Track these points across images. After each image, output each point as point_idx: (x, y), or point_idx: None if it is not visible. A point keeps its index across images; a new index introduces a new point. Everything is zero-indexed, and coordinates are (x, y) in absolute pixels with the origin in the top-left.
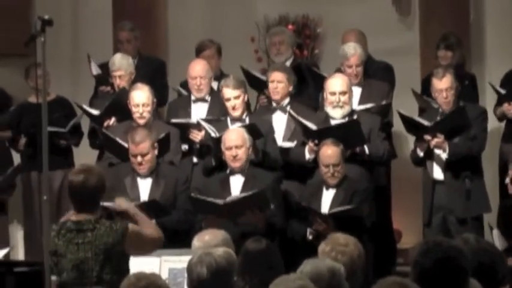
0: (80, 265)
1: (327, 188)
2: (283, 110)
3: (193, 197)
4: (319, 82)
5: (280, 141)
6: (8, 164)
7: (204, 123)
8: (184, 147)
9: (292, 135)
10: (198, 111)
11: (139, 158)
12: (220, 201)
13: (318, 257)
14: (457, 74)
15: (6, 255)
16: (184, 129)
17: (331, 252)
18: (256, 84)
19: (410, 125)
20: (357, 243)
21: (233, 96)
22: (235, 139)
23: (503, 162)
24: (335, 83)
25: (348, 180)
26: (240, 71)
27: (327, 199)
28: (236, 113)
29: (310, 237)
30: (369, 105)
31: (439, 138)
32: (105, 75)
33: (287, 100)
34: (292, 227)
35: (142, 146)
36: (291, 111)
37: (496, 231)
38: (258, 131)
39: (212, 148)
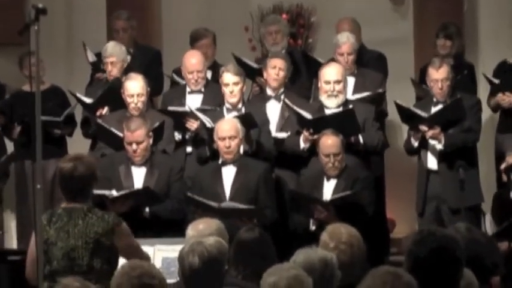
0: (70, 253)
1: (328, 179)
2: (278, 99)
3: (189, 197)
4: (314, 68)
5: (274, 130)
6: (1, 152)
7: (198, 114)
8: (178, 136)
9: (285, 124)
10: (193, 102)
11: (134, 146)
12: (215, 204)
13: (319, 246)
14: (455, 64)
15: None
16: (179, 118)
17: (334, 250)
18: (249, 72)
19: (406, 115)
20: (360, 241)
21: (232, 81)
22: (228, 129)
23: (499, 153)
24: (329, 72)
25: (348, 170)
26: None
27: (329, 189)
28: (233, 99)
29: (314, 227)
30: (364, 94)
31: (436, 130)
32: (100, 62)
33: (281, 89)
34: (294, 219)
35: (137, 134)
36: (286, 100)
37: (488, 216)
38: (253, 121)
39: (206, 138)
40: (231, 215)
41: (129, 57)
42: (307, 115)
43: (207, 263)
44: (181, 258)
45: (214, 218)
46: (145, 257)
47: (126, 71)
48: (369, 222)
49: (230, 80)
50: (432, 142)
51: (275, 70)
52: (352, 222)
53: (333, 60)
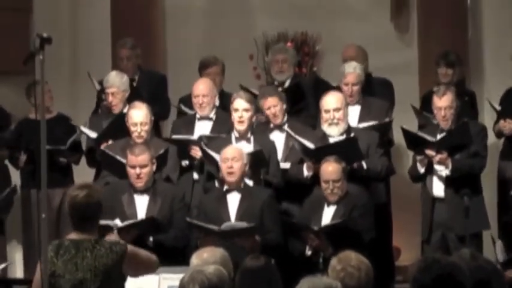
0: (78, 286)
1: (328, 205)
2: (281, 129)
3: (189, 222)
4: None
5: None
6: (5, 182)
7: (210, 152)
8: (185, 163)
9: (289, 154)
10: (202, 129)
11: (137, 170)
12: (215, 228)
13: (329, 272)
14: (457, 91)
15: (4, 272)
16: (185, 146)
17: (341, 272)
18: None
19: (412, 141)
20: (369, 268)
21: (243, 108)
22: (231, 152)
23: (501, 179)
24: (328, 101)
25: (349, 197)
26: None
27: (328, 215)
28: (241, 127)
29: (309, 252)
30: (371, 123)
31: (443, 154)
32: (103, 92)
33: (285, 119)
34: (292, 244)
35: (141, 158)
36: (289, 130)
37: (499, 243)
38: (263, 159)
39: (214, 174)
40: (232, 236)
41: (134, 83)
42: (310, 145)
43: None
44: (181, 287)
45: (216, 241)
46: (154, 262)
47: (131, 97)
48: (367, 250)
49: (241, 105)
50: (439, 168)
51: (271, 110)
52: (346, 250)
53: (338, 88)
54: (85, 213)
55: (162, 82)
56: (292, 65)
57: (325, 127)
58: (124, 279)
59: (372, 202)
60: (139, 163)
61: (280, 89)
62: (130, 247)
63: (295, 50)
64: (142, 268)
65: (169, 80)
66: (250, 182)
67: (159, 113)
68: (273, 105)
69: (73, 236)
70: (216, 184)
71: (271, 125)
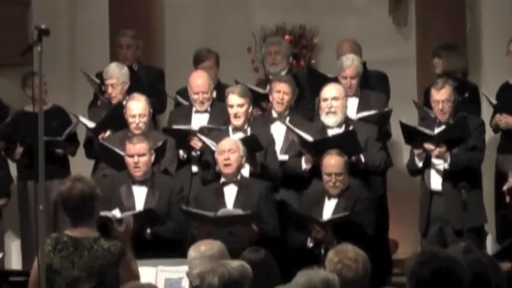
0: (73, 283)
1: (329, 198)
2: (283, 121)
3: (184, 210)
4: (319, 89)
5: (278, 152)
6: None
7: (204, 138)
8: (183, 155)
9: (289, 147)
10: (199, 121)
11: (136, 158)
12: (211, 214)
13: (326, 264)
14: (459, 85)
15: (1, 264)
16: (184, 137)
17: (338, 264)
18: (255, 98)
19: (410, 135)
20: (366, 260)
21: (237, 103)
22: (228, 144)
23: (499, 173)
24: (327, 90)
25: (350, 190)
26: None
27: (329, 208)
28: (237, 122)
29: (311, 244)
30: (372, 112)
31: (442, 148)
32: (102, 84)
33: (286, 112)
34: (292, 236)
35: (140, 146)
36: (288, 123)
37: (490, 237)
38: (258, 143)
39: (211, 162)
40: (229, 223)
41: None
42: (309, 137)
43: (226, 285)
44: (201, 277)
45: (212, 228)
46: (138, 272)
47: (129, 90)
48: (371, 243)
49: (235, 101)
50: (437, 161)
51: (279, 94)
52: (351, 242)
53: (336, 80)
54: (77, 206)
55: (159, 76)
56: (286, 57)
57: (323, 117)
58: (118, 281)
59: (374, 196)
60: (137, 151)
61: None
62: (129, 256)
63: (289, 43)
64: (127, 280)
65: (167, 75)
66: (246, 167)
67: (155, 106)
68: (284, 92)
69: (71, 231)
70: (212, 176)
71: (274, 115)
